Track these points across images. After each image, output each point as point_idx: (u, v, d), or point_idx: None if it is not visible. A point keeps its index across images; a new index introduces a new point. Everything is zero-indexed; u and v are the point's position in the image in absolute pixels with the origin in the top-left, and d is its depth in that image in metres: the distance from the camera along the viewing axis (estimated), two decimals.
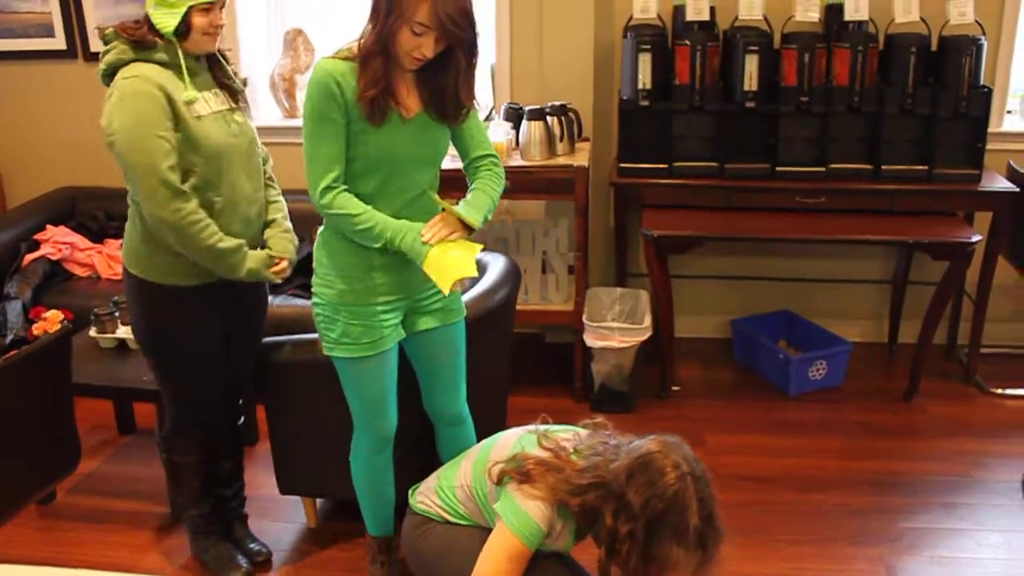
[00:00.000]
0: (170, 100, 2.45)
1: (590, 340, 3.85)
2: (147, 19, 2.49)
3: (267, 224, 2.78)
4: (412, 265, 2.44)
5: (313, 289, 2.58)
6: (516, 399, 3.52)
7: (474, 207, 2.50)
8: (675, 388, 4.15)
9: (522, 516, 2.12)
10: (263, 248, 2.73)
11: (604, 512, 2.04)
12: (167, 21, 2.45)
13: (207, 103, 2.56)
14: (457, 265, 2.36)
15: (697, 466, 2.06)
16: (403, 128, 2.41)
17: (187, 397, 2.81)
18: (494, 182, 2.61)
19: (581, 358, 4.00)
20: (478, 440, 2.66)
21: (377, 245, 2.39)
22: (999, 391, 4.13)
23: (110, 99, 2.47)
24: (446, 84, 2.41)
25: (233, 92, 2.66)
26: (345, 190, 2.39)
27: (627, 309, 4.11)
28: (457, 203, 2.52)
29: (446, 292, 2.36)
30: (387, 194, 2.45)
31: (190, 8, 2.45)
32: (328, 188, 2.37)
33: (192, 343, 2.71)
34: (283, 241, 2.77)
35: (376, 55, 2.33)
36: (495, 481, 2.21)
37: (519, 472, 2.16)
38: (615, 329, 3.86)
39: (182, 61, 2.50)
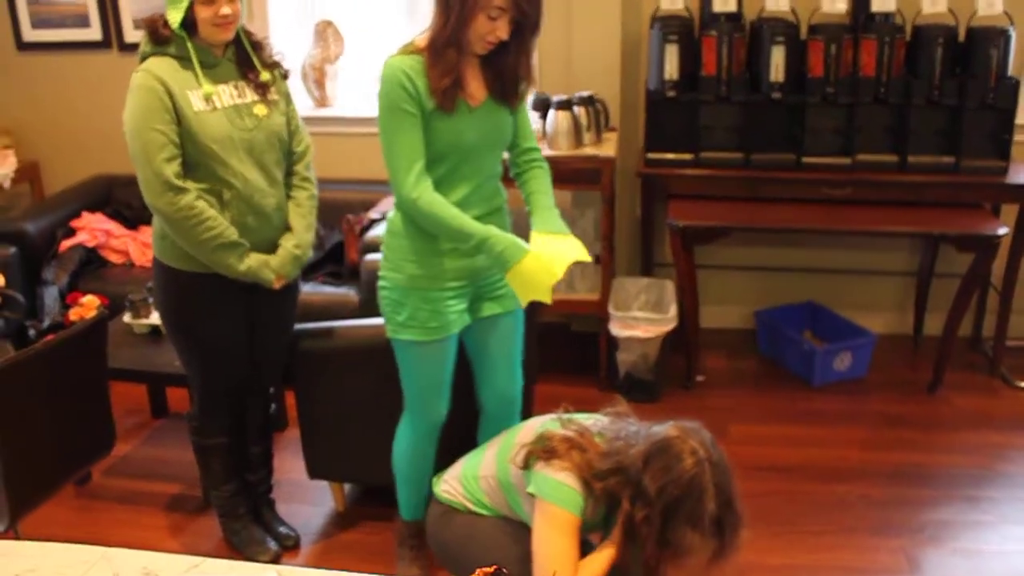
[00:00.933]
0: (171, 94, 2.50)
1: (615, 329, 3.88)
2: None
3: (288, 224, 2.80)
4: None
5: (380, 273, 2.63)
6: (542, 388, 3.55)
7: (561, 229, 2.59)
8: (700, 378, 4.17)
9: (557, 485, 2.13)
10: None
11: (622, 497, 2.06)
12: (173, 16, 2.51)
13: (220, 97, 2.59)
14: (540, 286, 2.44)
15: (715, 451, 2.05)
16: (470, 116, 2.47)
17: (209, 382, 2.87)
18: (550, 185, 2.69)
19: (606, 347, 4.03)
20: None
21: (468, 245, 2.44)
22: None
23: (128, 91, 2.56)
24: (506, 62, 2.46)
25: (260, 84, 2.68)
26: (430, 186, 2.44)
27: (653, 299, 4.13)
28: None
29: (523, 305, 2.46)
30: (453, 181, 2.50)
31: (192, 1, 2.49)
32: (416, 181, 2.41)
33: (213, 329, 2.77)
34: (287, 259, 2.75)
35: (448, 46, 2.37)
36: (521, 465, 2.22)
37: (545, 450, 2.18)
38: (640, 319, 3.88)
39: (192, 55, 2.55)
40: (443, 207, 2.43)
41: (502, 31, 2.36)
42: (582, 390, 4.03)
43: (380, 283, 2.63)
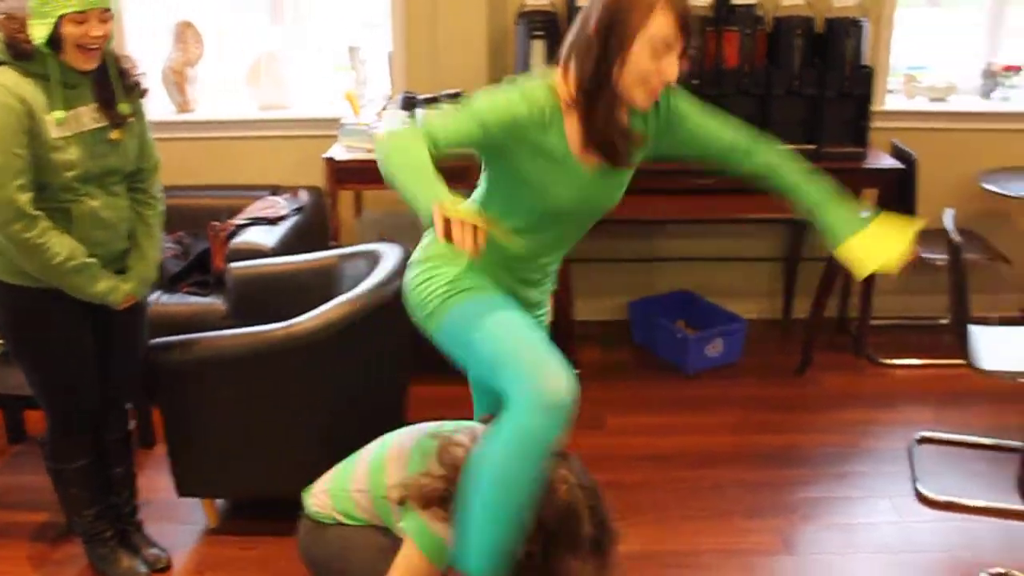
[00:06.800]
0: (32, 116, 2.36)
1: None
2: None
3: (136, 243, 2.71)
4: (537, 288, 2.34)
5: (412, 282, 2.27)
6: (420, 388, 3.52)
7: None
8: (575, 372, 4.16)
9: (431, 538, 2.13)
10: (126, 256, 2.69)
11: None
12: (38, 31, 2.34)
13: (77, 121, 2.46)
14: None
15: (584, 476, 2.11)
16: (581, 179, 2.15)
17: (60, 403, 2.74)
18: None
19: None
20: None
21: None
22: (888, 361, 4.27)
23: None
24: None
25: (114, 107, 2.53)
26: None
27: None
28: None
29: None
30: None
31: (61, 17, 2.32)
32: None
33: (59, 347, 2.64)
34: (138, 281, 2.69)
35: (600, 89, 2.01)
36: (397, 502, 2.21)
37: (421, 497, 2.16)
38: None
39: (54, 75, 2.40)
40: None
41: (670, 71, 1.97)
42: (461, 389, 3.98)
43: (413, 287, 2.26)
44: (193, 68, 4.53)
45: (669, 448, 3.62)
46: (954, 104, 4.65)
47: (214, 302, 3.81)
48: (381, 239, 3.64)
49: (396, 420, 3.04)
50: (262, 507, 3.17)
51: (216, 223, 3.99)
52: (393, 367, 3.23)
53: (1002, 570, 2.92)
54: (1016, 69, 4.65)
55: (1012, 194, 4.13)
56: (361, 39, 4.52)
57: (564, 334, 4.07)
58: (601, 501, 2.11)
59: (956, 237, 3.22)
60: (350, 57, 4.42)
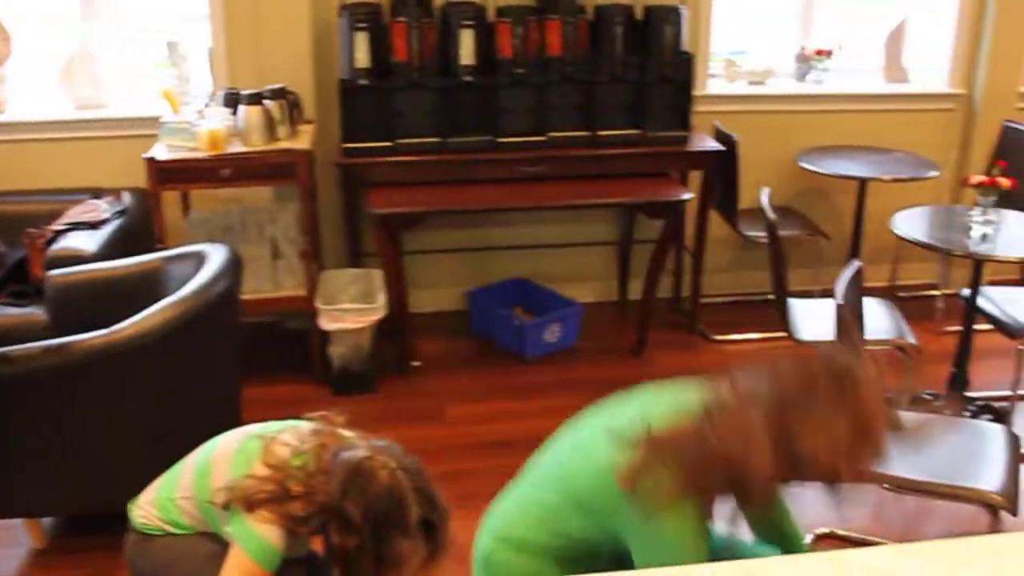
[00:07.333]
0: None
1: (325, 323, 3.82)
2: None
3: None
4: None
5: None
6: (255, 390, 3.45)
7: None
8: (415, 364, 4.17)
9: (258, 540, 2.09)
10: None
11: (330, 531, 2.06)
12: None
13: None
14: None
15: (407, 459, 2.10)
16: None
17: None
18: None
19: (318, 342, 3.96)
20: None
21: None
22: (719, 337, 4.42)
23: None
24: None
25: None
26: None
27: (362, 290, 4.10)
28: None
29: None
30: None
31: None
32: None
33: None
34: None
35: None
36: (222, 506, 2.16)
37: (245, 500, 2.12)
38: (349, 310, 3.84)
39: None
40: None
41: None
42: (297, 388, 3.95)
43: None
44: (1, 67, 4.30)
45: (509, 434, 3.64)
46: (772, 87, 4.85)
47: (34, 312, 3.63)
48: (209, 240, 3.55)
49: (230, 423, 2.96)
50: (93, 522, 3.05)
51: (33, 230, 3.81)
52: (224, 369, 3.15)
53: (827, 530, 3.07)
54: (827, 53, 4.88)
55: (827, 172, 4.33)
56: (180, 34, 4.38)
57: (401, 327, 4.07)
58: (427, 481, 2.11)
59: (771, 215, 3.37)
60: (169, 53, 4.29)
